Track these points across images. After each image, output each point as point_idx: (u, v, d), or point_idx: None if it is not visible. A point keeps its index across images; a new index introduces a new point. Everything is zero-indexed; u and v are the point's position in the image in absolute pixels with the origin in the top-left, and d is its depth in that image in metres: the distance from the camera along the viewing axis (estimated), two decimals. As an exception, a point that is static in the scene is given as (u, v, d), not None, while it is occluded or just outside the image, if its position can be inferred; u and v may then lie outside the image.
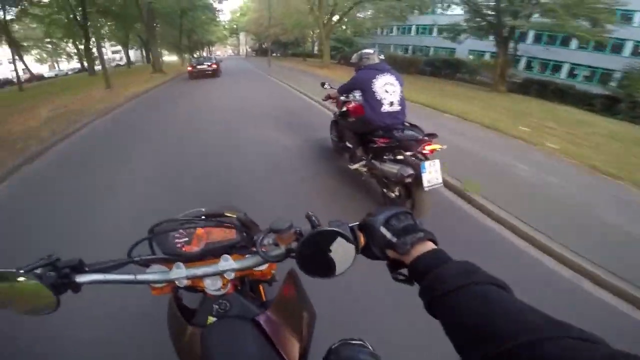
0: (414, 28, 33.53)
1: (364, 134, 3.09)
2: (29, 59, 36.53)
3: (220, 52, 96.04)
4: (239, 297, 0.75)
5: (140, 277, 0.65)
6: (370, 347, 0.68)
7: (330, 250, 0.56)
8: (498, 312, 0.37)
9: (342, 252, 0.56)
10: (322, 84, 4.35)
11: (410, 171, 2.45)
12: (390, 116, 2.81)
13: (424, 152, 2.49)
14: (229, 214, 0.85)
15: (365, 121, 2.94)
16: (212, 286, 0.72)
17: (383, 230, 0.57)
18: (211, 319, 0.71)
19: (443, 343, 0.43)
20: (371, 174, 3.13)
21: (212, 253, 0.72)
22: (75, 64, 42.19)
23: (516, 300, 0.39)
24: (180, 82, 16.23)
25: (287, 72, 17.91)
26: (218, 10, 30.40)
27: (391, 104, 2.80)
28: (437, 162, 2.48)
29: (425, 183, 2.42)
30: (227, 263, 0.68)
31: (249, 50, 69.78)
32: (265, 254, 0.62)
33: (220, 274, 0.68)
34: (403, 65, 20.12)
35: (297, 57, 45.41)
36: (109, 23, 26.90)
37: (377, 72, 2.85)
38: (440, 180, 2.50)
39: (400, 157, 2.63)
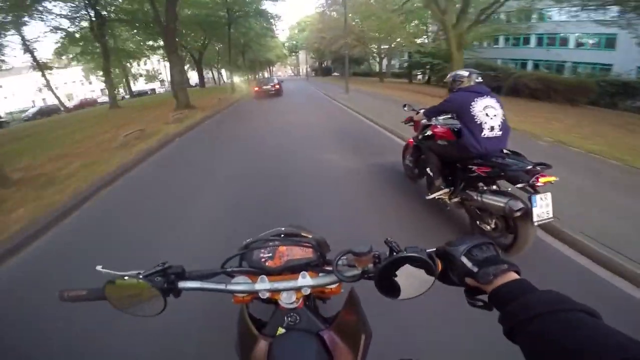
0: (533, 38, 23.74)
1: (456, 160, 2.76)
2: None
3: (281, 72, 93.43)
4: (308, 312, 0.77)
5: (230, 286, 0.73)
6: None
7: (396, 275, 0.60)
8: (587, 337, 0.37)
9: (410, 276, 0.60)
10: (404, 106, 3.83)
11: (521, 205, 2.14)
12: (490, 142, 2.49)
13: (537, 184, 2.09)
14: (305, 234, 0.93)
15: (462, 147, 2.58)
16: (287, 299, 0.74)
17: (464, 259, 0.58)
18: (280, 330, 0.73)
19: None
20: (461, 204, 2.76)
21: (291, 269, 0.78)
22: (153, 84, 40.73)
23: (606, 326, 0.39)
24: (208, 137, 8.10)
25: (396, 111, 8.34)
26: (274, 17, 22.76)
27: (492, 128, 2.48)
28: (548, 195, 2.15)
29: (535, 217, 2.11)
30: (305, 280, 0.73)
31: (308, 70, 63.84)
32: (341, 274, 0.66)
33: (298, 289, 0.73)
34: (564, 92, 10.99)
35: (364, 77, 37.52)
36: (125, 33, 20.85)
37: (476, 95, 2.54)
38: (552, 215, 2.15)
39: (497, 187, 2.50)
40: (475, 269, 0.56)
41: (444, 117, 3.06)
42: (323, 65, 56.40)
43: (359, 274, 0.66)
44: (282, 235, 0.92)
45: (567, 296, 0.45)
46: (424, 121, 3.28)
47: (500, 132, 2.49)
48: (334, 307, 0.84)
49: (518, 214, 2.14)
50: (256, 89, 17.92)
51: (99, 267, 0.63)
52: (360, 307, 0.84)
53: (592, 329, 0.39)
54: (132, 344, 1.80)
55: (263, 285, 0.72)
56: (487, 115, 2.46)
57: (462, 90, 2.64)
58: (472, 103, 2.49)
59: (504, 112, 2.54)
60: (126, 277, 0.62)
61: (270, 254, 0.81)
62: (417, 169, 3.67)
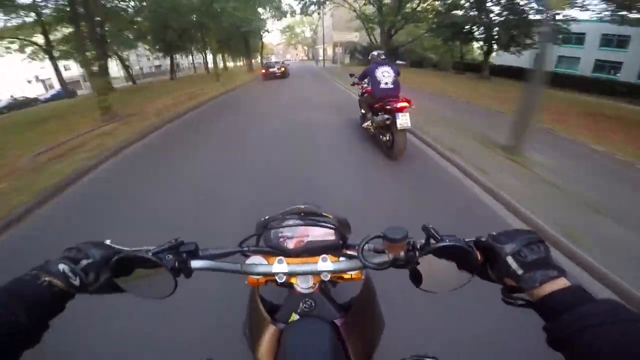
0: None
1: (372, 103, 4.69)
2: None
3: (290, 55, 68.44)
4: (323, 298, 0.73)
5: (245, 268, 0.67)
6: None
7: (418, 263, 0.56)
8: None
9: (434, 264, 0.56)
10: (351, 75, 5.89)
11: (387, 116, 4.15)
12: (385, 91, 4.38)
13: (396, 106, 3.96)
14: (326, 214, 0.84)
15: (372, 95, 4.61)
16: (303, 284, 0.71)
17: (510, 260, 0.52)
18: (294, 316, 0.70)
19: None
20: (373, 127, 4.79)
21: (311, 252, 0.71)
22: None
23: None
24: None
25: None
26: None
27: (386, 84, 4.40)
28: (407, 114, 3.97)
29: (398, 125, 3.93)
30: (326, 264, 0.67)
31: (338, 51, 38.34)
32: (367, 261, 0.60)
33: (318, 273, 0.68)
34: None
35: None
36: None
37: (378, 65, 4.51)
38: (409, 125, 3.96)
39: (385, 114, 4.25)
40: (520, 272, 0.50)
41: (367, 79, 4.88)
42: (392, 35, 27.41)
43: (389, 262, 0.60)
44: (302, 214, 0.81)
45: (624, 305, 0.42)
46: (364, 85, 5.15)
47: (392, 86, 4.40)
48: (344, 291, 0.82)
49: (387, 122, 4.16)
50: (263, 71, 19.92)
51: (107, 241, 0.60)
52: (376, 297, 0.82)
53: None
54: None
55: (281, 267, 0.66)
56: (383, 76, 4.41)
57: (373, 63, 4.66)
58: (376, 70, 4.46)
59: (395, 75, 4.46)
60: (134, 254, 0.56)
61: (290, 234, 0.73)
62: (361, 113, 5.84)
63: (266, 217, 0.78)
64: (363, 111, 5.50)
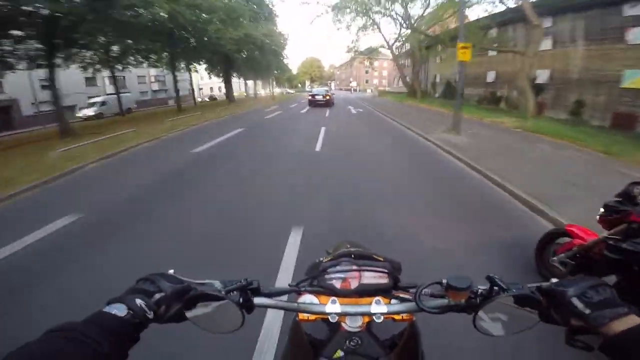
0: None
1: None
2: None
3: (356, 82, 50.79)
4: (369, 336, 0.75)
5: (302, 306, 0.70)
6: None
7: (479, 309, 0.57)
8: None
9: (499, 309, 0.57)
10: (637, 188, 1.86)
11: None
12: None
13: None
14: (377, 257, 0.84)
15: None
16: (352, 323, 0.73)
17: (575, 300, 0.53)
18: (339, 353, 0.71)
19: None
20: None
21: (363, 293, 0.74)
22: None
23: None
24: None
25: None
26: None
27: None
28: None
29: None
30: (379, 307, 0.68)
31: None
32: (424, 305, 0.61)
33: (370, 315, 0.69)
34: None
35: None
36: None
37: None
38: None
39: None
40: (587, 311, 0.51)
41: None
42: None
43: (446, 306, 0.62)
44: (353, 256, 0.81)
45: None
46: None
47: None
48: (387, 327, 0.80)
49: None
50: (309, 97, 22.52)
51: (171, 271, 0.64)
52: (420, 338, 0.81)
53: None
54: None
55: (334, 308, 0.68)
56: None
57: None
58: None
59: None
60: (207, 293, 0.60)
61: (342, 276, 0.76)
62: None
63: (319, 259, 0.81)
64: None
